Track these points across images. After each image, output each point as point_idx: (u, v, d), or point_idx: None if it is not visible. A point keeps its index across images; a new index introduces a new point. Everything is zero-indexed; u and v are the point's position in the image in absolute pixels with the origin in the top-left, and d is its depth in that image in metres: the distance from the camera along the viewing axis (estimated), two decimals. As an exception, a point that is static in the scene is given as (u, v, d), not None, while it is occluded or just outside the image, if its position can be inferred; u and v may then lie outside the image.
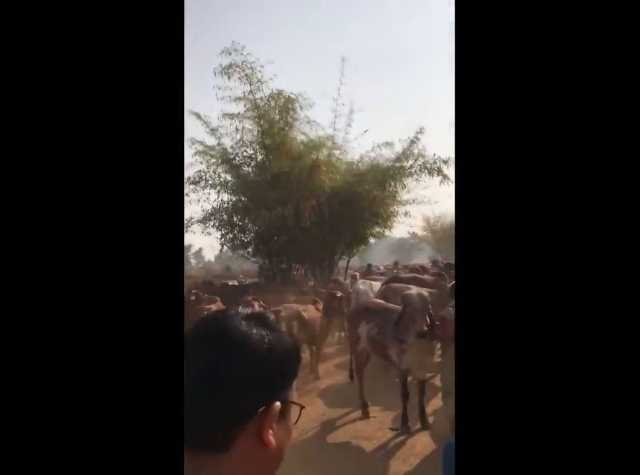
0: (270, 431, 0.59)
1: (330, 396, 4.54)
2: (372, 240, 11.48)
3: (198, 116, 9.06)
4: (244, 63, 8.14)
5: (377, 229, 10.28)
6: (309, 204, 8.37)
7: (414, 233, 27.35)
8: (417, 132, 9.37)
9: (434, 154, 9.20)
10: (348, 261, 11.73)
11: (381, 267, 14.15)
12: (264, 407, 0.58)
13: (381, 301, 4.39)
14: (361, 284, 6.28)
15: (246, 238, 9.84)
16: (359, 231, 9.59)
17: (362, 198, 8.76)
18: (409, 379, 3.71)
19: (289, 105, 8.66)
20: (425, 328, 3.35)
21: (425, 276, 6.32)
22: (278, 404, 0.59)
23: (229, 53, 8.22)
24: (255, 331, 0.61)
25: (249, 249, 10.11)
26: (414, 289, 4.00)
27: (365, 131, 10.46)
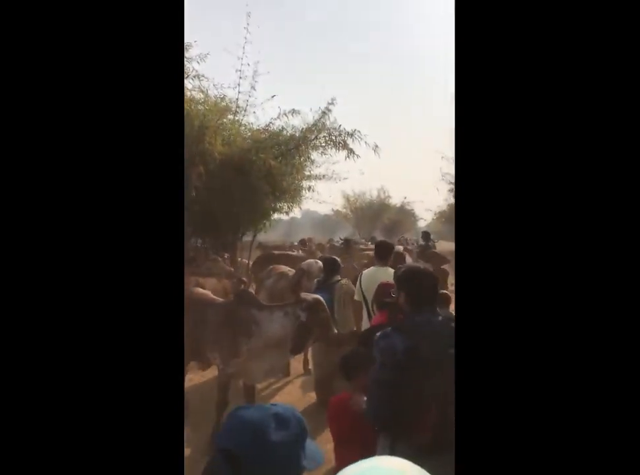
0: None
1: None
2: (277, 215, 10.70)
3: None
4: None
5: (280, 203, 9.57)
6: (196, 171, 7.38)
7: (337, 210, 27.25)
8: (329, 103, 8.75)
9: (339, 126, 8.59)
10: (254, 238, 10.97)
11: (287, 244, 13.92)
12: None
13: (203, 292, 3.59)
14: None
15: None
16: (258, 204, 8.72)
17: (258, 168, 7.88)
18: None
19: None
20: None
21: (297, 252, 5.93)
22: None
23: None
24: None
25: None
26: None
27: (273, 96, 9.46)
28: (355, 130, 8.53)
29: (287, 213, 10.52)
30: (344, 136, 8.53)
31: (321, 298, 2.89)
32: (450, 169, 13.61)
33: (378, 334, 1.73)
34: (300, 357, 4.83)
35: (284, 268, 4.69)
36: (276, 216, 10.52)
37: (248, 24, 8.52)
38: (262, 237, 13.12)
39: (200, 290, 3.58)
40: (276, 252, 6.25)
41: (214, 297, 3.40)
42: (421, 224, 28.22)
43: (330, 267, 3.86)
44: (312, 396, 4.15)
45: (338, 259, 4.08)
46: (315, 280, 4.03)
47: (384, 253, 3.63)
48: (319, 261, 4.23)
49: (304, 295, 2.88)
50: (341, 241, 11.18)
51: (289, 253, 6.06)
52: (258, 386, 4.19)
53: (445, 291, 3.48)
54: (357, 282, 3.60)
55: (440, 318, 1.71)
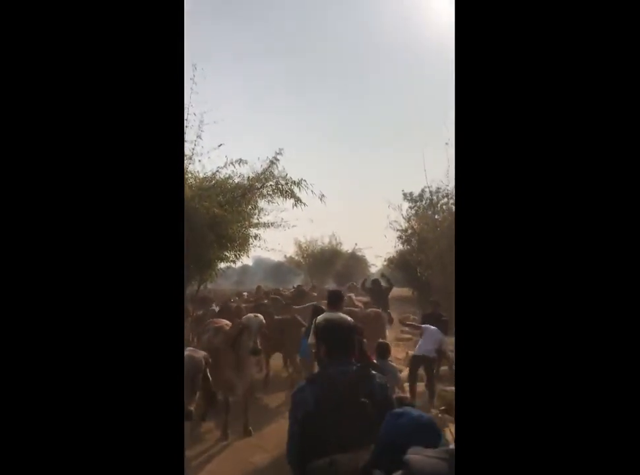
0: None
1: None
2: (223, 265, 10.43)
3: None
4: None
5: (227, 252, 9.37)
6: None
7: (290, 257, 27.13)
8: (277, 153, 8.89)
9: (286, 175, 8.70)
10: (198, 288, 10.58)
11: (245, 293, 13.55)
12: None
13: None
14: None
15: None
16: (203, 254, 8.47)
17: (201, 216, 7.73)
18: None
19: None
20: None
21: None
22: None
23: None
24: None
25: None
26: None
27: (220, 145, 9.48)
28: (301, 179, 8.68)
29: (234, 262, 10.32)
30: (291, 185, 8.62)
31: None
32: (397, 217, 13.99)
33: (294, 389, 1.85)
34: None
35: (222, 322, 4.47)
36: (223, 264, 10.28)
37: (194, 74, 8.61)
38: (212, 285, 12.70)
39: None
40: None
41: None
42: (373, 270, 28.57)
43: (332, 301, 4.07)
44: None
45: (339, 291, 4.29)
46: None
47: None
48: (259, 315, 4.10)
49: None
50: (292, 289, 10.99)
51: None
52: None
53: (383, 340, 3.43)
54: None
55: (354, 368, 1.81)
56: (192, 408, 2.80)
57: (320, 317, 2.11)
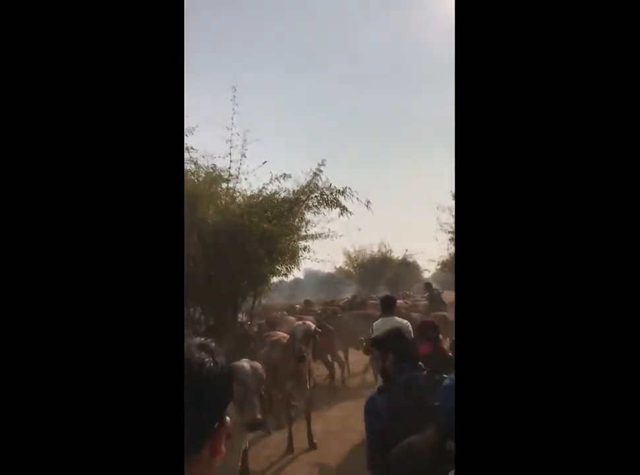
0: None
1: None
2: (277, 278, 10.55)
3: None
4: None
5: (278, 266, 9.48)
6: (191, 240, 7.35)
7: (340, 267, 27.13)
8: (320, 164, 8.95)
9: (330, 185, 8.70)
10: (254, 303, 10.78)
11: (297, 306, 13.71)
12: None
13: None
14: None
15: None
16: (254, 269, 8.61)
17: (250, 232, 7.87)
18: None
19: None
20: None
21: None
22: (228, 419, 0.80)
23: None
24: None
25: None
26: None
27: (264, 163, 9.68)
28: (346, 187, 8.65)
29: (286, 275, 10.42)
30: (335, 194, 8.61)
31: None
32: (448, 218, 13.63)
33: (367, 399, 1.87)
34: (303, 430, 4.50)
35: (279, 335, 4.49)
36: (275, 279, 10.41)
37: (234, 96, 8.87)
38: (265, 300, 12.92)
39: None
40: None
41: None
42: (426, 275, 27.92)
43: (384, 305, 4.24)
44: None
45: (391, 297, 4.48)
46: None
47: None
48: (308, 322, 4.15)
49: None
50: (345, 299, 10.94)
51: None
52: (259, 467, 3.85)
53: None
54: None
55: (424, 372, 1.85)
56: (260, 417, 2.82)
57: (378, 326, 2.16)
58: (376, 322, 4.06)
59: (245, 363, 2.99)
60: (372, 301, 11.27)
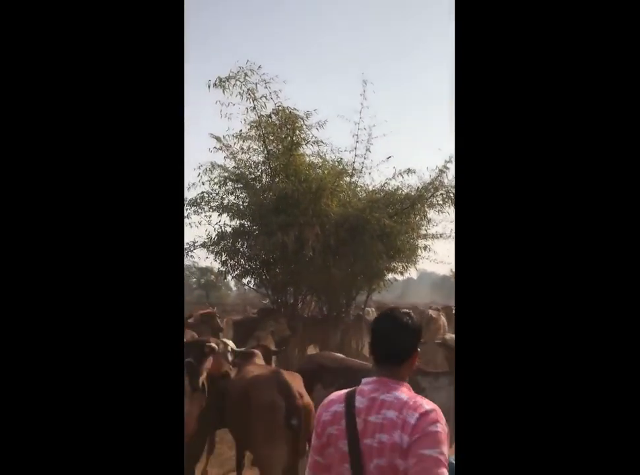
0: None
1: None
2: (391, 275, 10.41)
3: (218, 139, 8.56)
4: (245, 77, 7.54)
5: (395, 263, 9.35)
6: (313, 232, 7.59)
7: (453, 271, 25.97)
8: (447, 161, 8.58)
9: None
10: (367, 297, 10.82)
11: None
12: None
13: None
14: None
15: (250, 266, 9.12)
16: (372, 264, 8.60)
17: (372, 227, 7.86)
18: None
19: (295, 123, 7.99)
20: None
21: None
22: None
23: (245, 74, 7.65)
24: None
25: (253, 278, 9.39)
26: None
27: (388, 158, 9.58)
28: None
29: (402, 273, 10.21)
30: (463, 193, 8.20)
31: None
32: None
33: None
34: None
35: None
36: (390, 276, 10.28)
37: (364, 90, 8.89)
38: (376, 296, 12.87)
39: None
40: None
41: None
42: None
43: None
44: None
45: None
46: None
47: None
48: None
49: None
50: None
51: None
52: None
53: None
54: None
55: None
56: None
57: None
58: None
59: None
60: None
